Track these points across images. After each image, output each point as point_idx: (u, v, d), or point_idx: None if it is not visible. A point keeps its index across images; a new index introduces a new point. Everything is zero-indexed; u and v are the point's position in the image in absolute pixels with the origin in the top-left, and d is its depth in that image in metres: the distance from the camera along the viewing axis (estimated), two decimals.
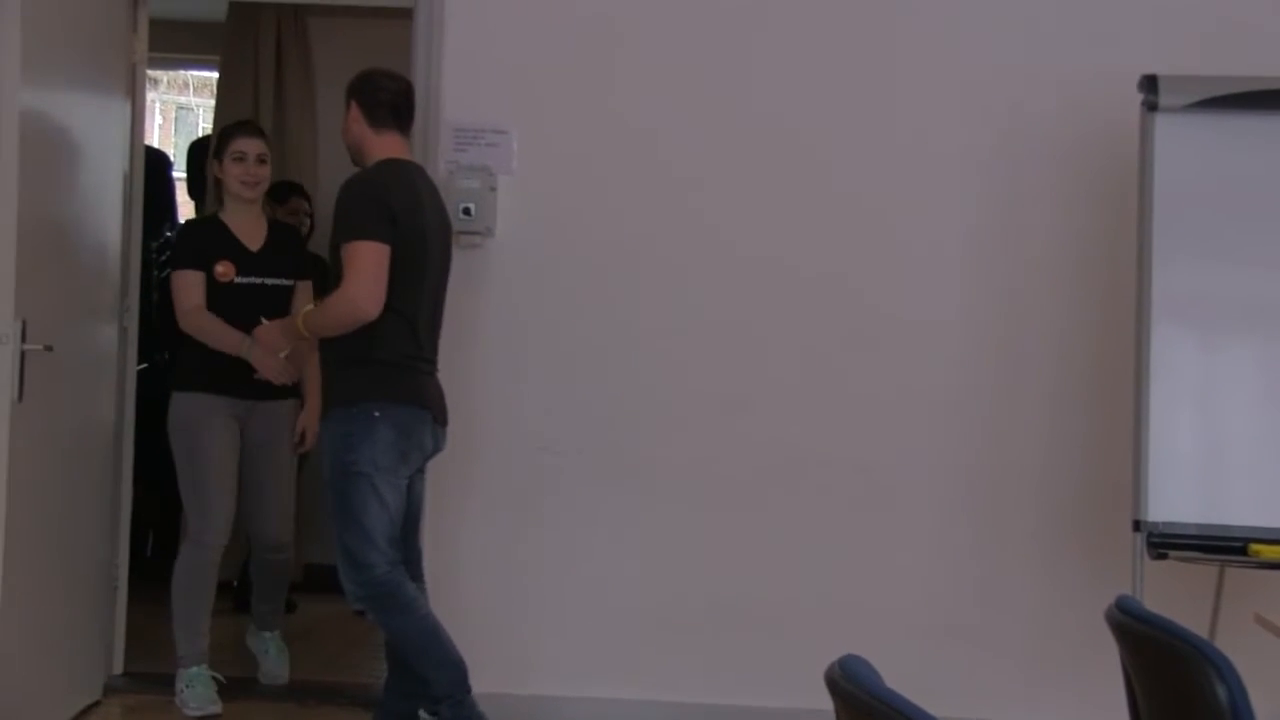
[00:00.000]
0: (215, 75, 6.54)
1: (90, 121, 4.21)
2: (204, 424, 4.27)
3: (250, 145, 4.40)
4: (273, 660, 4.56)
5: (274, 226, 4.53)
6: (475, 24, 4.32)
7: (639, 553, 4.32)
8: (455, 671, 3.74)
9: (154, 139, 12.43)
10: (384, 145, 3.83)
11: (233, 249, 4.34)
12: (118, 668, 4.48)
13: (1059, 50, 4.28)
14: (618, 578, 4.32)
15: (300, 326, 3.88)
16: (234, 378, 4.27)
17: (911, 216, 4.33)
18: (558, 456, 4.32)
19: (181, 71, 13.37)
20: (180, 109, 17.56)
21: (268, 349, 4.21)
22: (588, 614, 4.33)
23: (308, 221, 5.54)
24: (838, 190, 4.33)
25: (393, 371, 3.71)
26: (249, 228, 4.41)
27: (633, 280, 4.34)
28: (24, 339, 3.64)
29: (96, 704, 4.31)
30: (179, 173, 6.76)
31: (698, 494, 4.31)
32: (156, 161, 5.73)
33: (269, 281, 4.35)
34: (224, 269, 4.31)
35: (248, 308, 4.27)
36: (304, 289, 4.42)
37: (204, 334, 4.28)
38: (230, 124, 4.68)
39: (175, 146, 13.76)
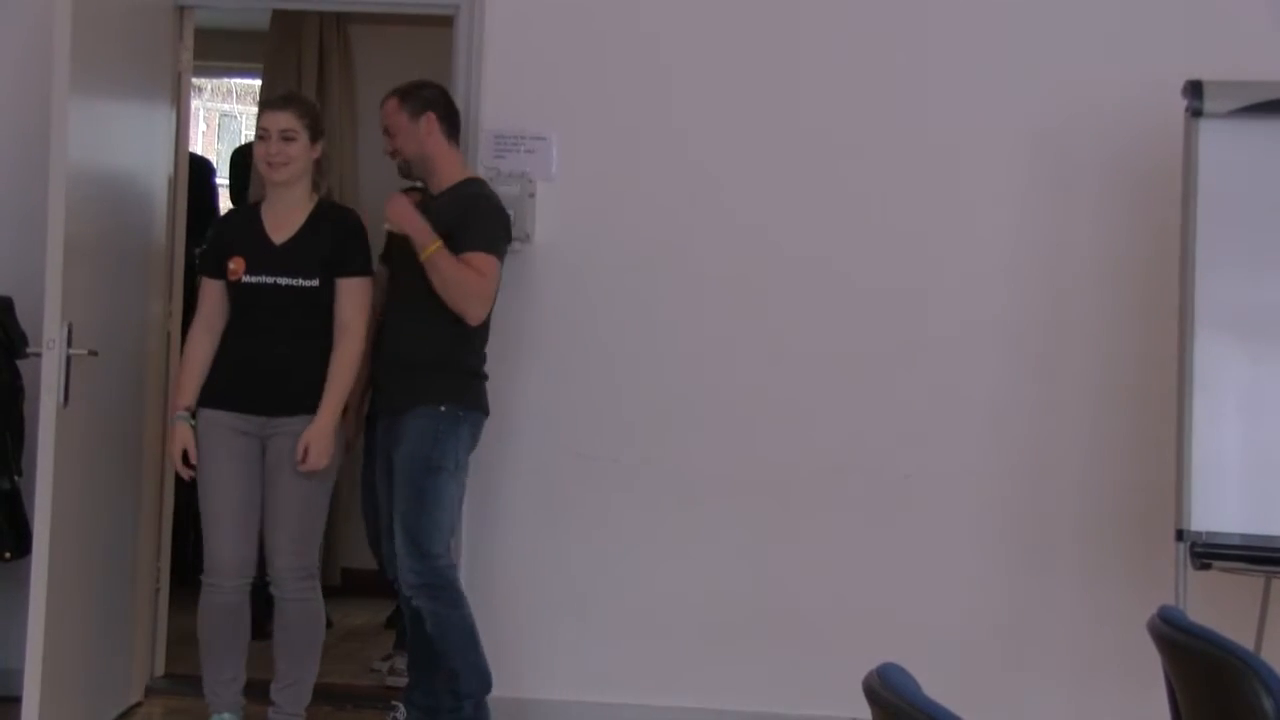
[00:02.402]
0: (258, 83, 6.59)
1: (136, 129, 4.26)
2: (210, 445, 3.82)
3: (273, 120, 3.85)
4: None
5: (321, 213, 3.91)
6: (516, 31, 4.34)
7: (676, 559, 4.31)
8: (484, 674, 3.93)
9: (198, 146, 12.51)
10: (457, 161, 4.02)
11: (253, 242, 3.85)
12: (159, 669, 4.51)
13: (1102, 56, 4.25)
14: (654, 584, 4.32)
15: (431, 251, 3.75)
16: (245, 391, 3.83)
17: (953, 226, 4.31)
18: (594, 462, 4.32)
19: (225, 79, 13.47)
20: (224, 116, 17.68)
21: (402, 211, 3.82)
22: (623, 620, 4.32)
23: None
24: (880, 199, 4.31)
25: (474, 379, 3.95)
26: (282, 216, 3.89)
27: (671, 287, 4.34)
28: (70, 343, 3.69)
29: (138, 705, 4.34)
30: (222, 179, 6.81)
31: (736, 501, 4.30)
32: (200, 168, 5.77)
33: (283, 281, 3.81)
34: (234, 265, 3.84)
35: (256, 311, 3.83)
36: (350, 288, 3.83)
37: (183, 359, 3.94)
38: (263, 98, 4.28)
39: (218, 153, 13.86)
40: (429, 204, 3.96)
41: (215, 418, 3.84)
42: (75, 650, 3.87)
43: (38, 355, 3.81)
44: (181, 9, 4.47)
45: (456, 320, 3.84)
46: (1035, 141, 4.28)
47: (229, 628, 3.87)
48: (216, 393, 3.86)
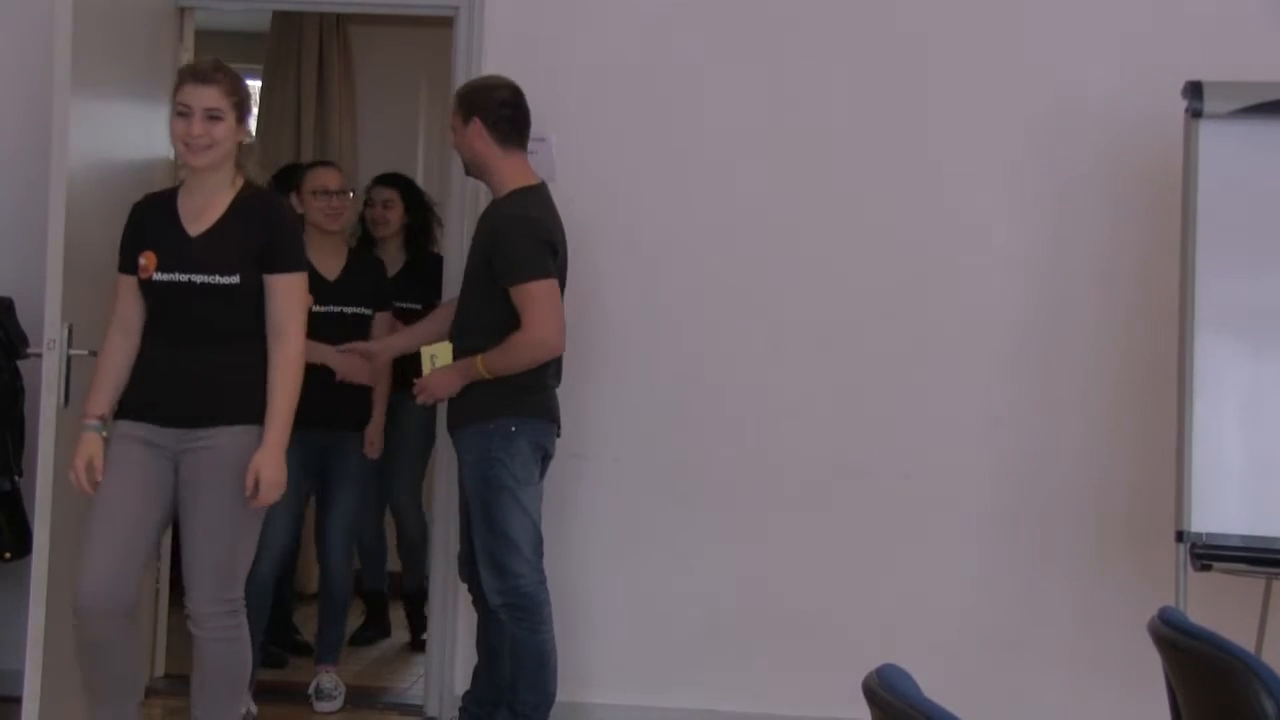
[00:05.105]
0: (259, 84, 6.60)
1: (136, 129, 4.25)
2: (113, 458, 3.39)
3: (197, 96, 3.39)
4: None
5: (244, 201, 3.50)
6: (516, 32, 4.34)
7: (674, 561, 4.32)
8: (546, 696, 3.85)
9: None
10: (515, 168, 3.85)
11: (166, 235, 3.47)
12: (159, 670, 4.52)
13: (1102, 57, 4.25)
14: (652, 585, 4.32)
15: (481, 367, 3.74)
16: (159, 402, 3.40)
17: (954, 226, 4.31)
18: (593, 463, 4.32)
19: None
20: None
21: (439, 386, 3.86)
22: (622, 622, 4.32)
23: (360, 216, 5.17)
24: (881, 200, 4.32)
25: (525, 390, 3.79)
26: (200, 204, 3.46)
27: (671, 287, 4.35)
28: (70, 344, 3.69)
29: (138, 705, 4.33)
30: None
31: (735, 501, 4.30)
32: None
33: (198, 279, 3.40)
34: (145, 261, 3.44)
35: (170, 314, 3.44)
36: (282, 286, 3.44)
37: (97, 365, 3.58)
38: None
39: None
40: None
41: (127, 430, 3.41)
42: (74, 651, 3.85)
43: (38, 356, 3.81)
44: (182, 10, 4.48)
45: (491, 335, 3.75)
46: (1035, 142, 4.29)
47: (113, 669, 3.38)
48: (130, 404, 3.44)
